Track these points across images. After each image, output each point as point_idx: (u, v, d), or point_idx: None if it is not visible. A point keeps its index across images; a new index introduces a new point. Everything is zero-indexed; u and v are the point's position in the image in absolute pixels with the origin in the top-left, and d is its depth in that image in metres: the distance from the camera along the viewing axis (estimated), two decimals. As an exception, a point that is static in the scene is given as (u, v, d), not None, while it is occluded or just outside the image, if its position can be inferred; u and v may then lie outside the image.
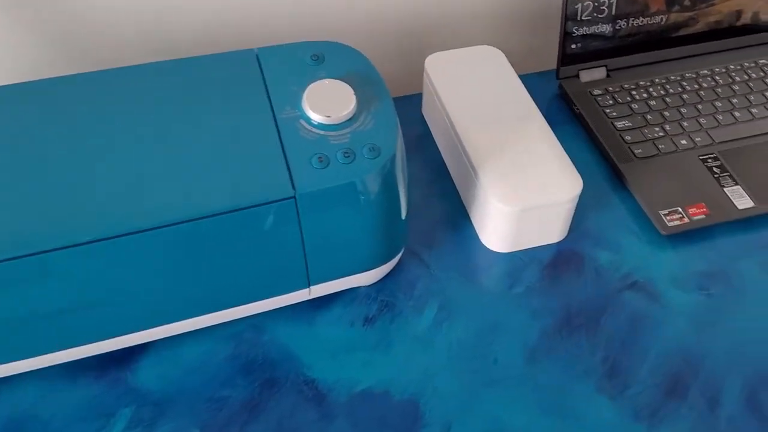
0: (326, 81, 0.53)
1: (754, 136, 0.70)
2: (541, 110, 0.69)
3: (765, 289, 0.60)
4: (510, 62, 0.71)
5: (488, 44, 0.74)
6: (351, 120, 0.52)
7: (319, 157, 0.50)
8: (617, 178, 0.68)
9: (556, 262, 0.62)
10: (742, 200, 0.64)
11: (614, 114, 0.72)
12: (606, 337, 0.57)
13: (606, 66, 0.77)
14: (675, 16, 0.75)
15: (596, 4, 0.72)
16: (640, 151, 0.69)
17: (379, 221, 0.54)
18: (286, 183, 0.49)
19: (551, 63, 0.76)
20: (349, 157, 0.50)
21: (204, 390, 0.53)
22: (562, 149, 0.62)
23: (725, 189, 0.65)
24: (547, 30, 0.84)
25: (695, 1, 0.75)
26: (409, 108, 0.75)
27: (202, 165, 0.49)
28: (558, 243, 0.63)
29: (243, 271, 0.52)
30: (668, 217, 0.63)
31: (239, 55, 0.56)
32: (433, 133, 0.72)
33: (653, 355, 0.56)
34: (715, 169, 0.67)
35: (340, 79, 0.53)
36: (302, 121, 0.52)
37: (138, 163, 0.49)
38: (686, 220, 0.63)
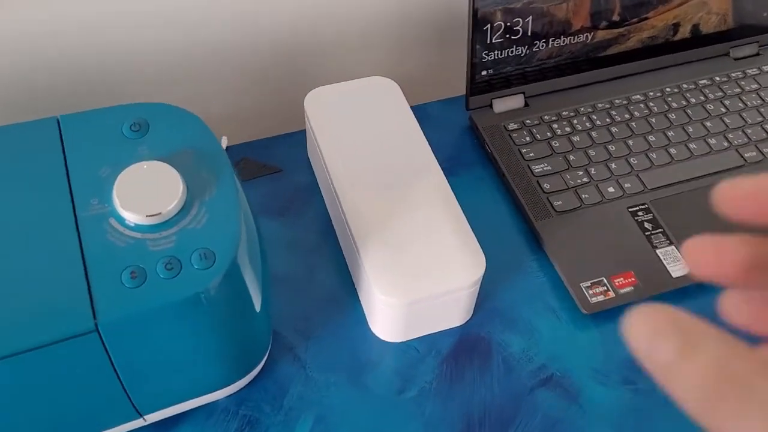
0: (144, 164, 0.41)
1: (691, 179, 0.60)
2: (447, 147, 0.58)
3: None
4: (413, 90, 0.60)
5: (384, 72, 0.62)
6: (177, 217, 0.40)
7: (132, 272, 0.38)
8: (534, 239, 0.58)
9: (458, 352, 0.52)
10: (677, 266, 0.55)
11: (531, 155, 0.62)
12: (514, 454, 0.47)
13: (524, 93, 0.65)
14: (602, 34, 0.64)
15: (508, 24, 0.61)
16: (559, 203, 0.58)
17: (219, 340, 0.42)
18: (86, 312, 0.37)
19: (463, 88, 0.65)
20: (172, 269, 0.38)
21: None
22: (463, 217, 0.51)
23: (658, 250, 0.55)
24: (456, 49, 0.72)
25: (625, 15, 0.64)
26: (298, 147, 0.63)
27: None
28: (462, 326, 0.53)
29: (56, 409, 0.40)
30: (591, 291, 0.53)
31: (37, 125, 0.43)
32: (318, 183, 0.61)
33: (570, 475, 0.46)
34: (646, 225, 0.57)
35: (165, 159, 0.41)
36: (112, 221, 0.40)
37: None
38: (611, 294, 0.53)
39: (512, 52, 0.62)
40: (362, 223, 0.50)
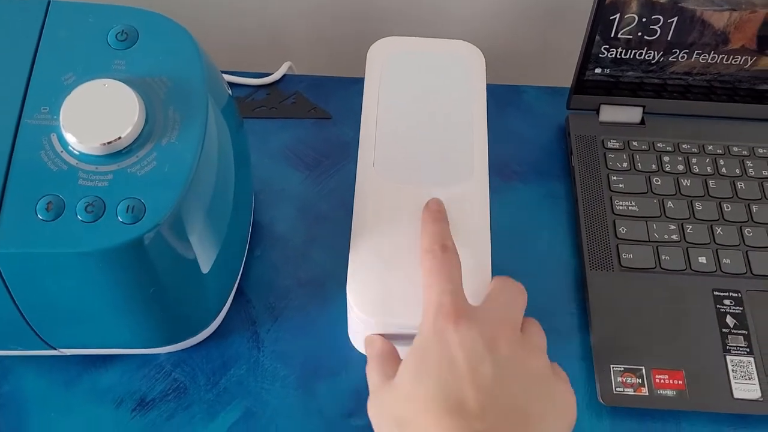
0: (105, 82, 0.35)
1: (817, 280, 0.46)
2: (530, 145, 0.50)
3: None
4: (518, 66, 0.49)
5: (494, 39, 0.52)
6: (123, 153, 0.34)
7: (49, 202, 0.33)
8: (582, 289, 0.47)
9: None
10: (745, 385, 0.42)
11: (621, 186, 0.49)
12: None
13: (643, 107, 0.52)
14: (767, 62, 0.50)
15: (644, 20, 0.47)
16: (629, 256, 0.47)
17: (139, 300, 0.37)
18: (-15, 233, 0.32)
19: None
20: (92, 212, 0.33)
21: None
22: (487, 245, 0.41)
23: (729, 357, 0.43)
24: (576, 34, 0.59)
25: (807, 46, 0.48)
26: (358, 97, 0.55)
27: None
28: (452, 363, 0.44)
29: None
30: (620, 378, 0.42)
31: (25, 3, 0.38)
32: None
33: None
34: (729, 320, 0.44)
35: (138, 83, 0.35)
36: (53, 137, 0.34)
37: None
38: (644, 390, 0.42)
39: (641, 54, 0.50)
40: (366, 215, 0.42)
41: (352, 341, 0.44)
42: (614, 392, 0.42)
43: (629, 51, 0.49)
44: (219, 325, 0.44)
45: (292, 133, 0.53)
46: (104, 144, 0.33)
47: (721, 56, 0.49)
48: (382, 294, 0.39)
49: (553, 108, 0.55)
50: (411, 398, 0.33)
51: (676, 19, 0.47)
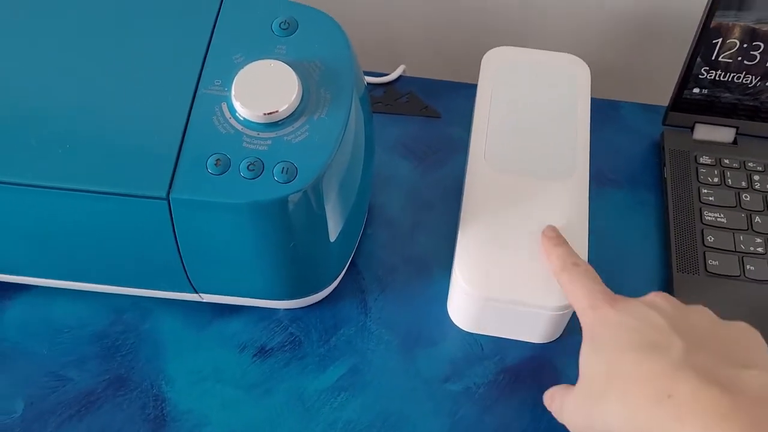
0: (272, 63, 0.41)
1: None
2: (625, 155, 0.54)
3: None
4: (617, 81, 0.53)
5: (599, 54, 0.56)
6: (281, 123, 0.40)
7: (218, 160, 0.39)
8: (667, 291, 0.50)
9: (523, 368, 0.47)
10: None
11: (711, 198, 0.53)
12: (526, 497, 0.43)
13: (737, 129, 0.56)
14: None
15: (745, 45, 0.51)
16: (715, 263, 0.50)
17: (280, 254, 0.42)
18: (165, 180, 0.38)
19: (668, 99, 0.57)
20: (253, 170, 0.39)
21: (53, 360, 0.47)
22: (586, 235, 0.45)
23: (806, 363, 0.46)
24: (673, 53, 0.62)
25: None
26: (466, 100, 0.60)
27: (90, 126, 0.40)
28: (540, 345, 0.48)
29: (118, 254, 0.43)
30: (699, 372, 0.45)
31: (204, -7, 0.45)
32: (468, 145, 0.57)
33: None
34: (807, 329, 0.47)
35: (298, 66, 0.41)
36: (224, 105, 0.40)
37: (24, 105, 0.40)
38: (722, 386, 0.45)
39: (738, 78, 0.53)
40: (475, 201, 0.47)
41: (451, 316, 0.49)
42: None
43: (728, 74, 0.53)
44: (332, 291, 0.50)
45: (404, 128, 0.58)
46: (266, 114, 0.39)
47: (817, 85, 0.52)
48: (487, 270, 0.44)
49: (648, 124, 0.59)
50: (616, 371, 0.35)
51: (776, 46, 0.51)
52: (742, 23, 0.50)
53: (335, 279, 0.48)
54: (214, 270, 0.43)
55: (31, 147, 0.39)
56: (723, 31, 0.51)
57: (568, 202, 0.46)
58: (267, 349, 0.48)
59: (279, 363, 0.47)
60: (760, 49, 0.51)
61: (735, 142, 0.56)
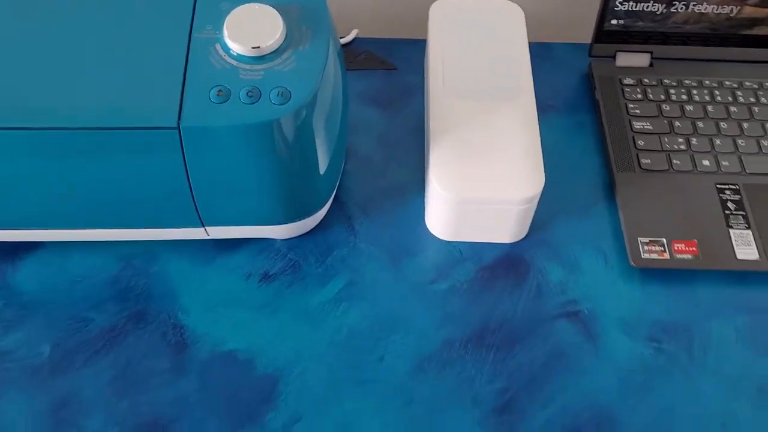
0: (257, 6, 0.46)
1: (798, 175, 0.57)
2: (561, 87, 0.60)
3: (729, 361, 0.49)
4: (547, 26, 0.61)
5: (537, 2, 0.64)
6: (271, 56, 0.45)
7: (219, 90, 0.44)
8: (610, 188, 0.58)
9: (498, 265, 0.54)
10: (746, 249, 0.53)
11: (637, 111, 0.61)
12: (515, 366, 0.49)
13: (651, 53, 0.64)
14: (750, 11, 0.62)
15: (650, -24, 0.60)
16: (648, 161, 0.58)
17: (279, 175, 0.48)
18: (174, 111, 0.43)
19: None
20: (252, 97, 0.44)
21: (72, 306, 0.51)
22: (537, 141, 0.52)
23: (732, 231, 0.54)
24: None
25: (781, -5, 0.61)
26: (418, 53, 0.67)
27: (93, 71, 0.44)
28: (511, 244, 0.55)
29: (128, 193, 0.48)
30: (646, 247, 0.53)
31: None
32: (424, 86, 0.64)
33: (560, 403, 0.48)
34: (729, 204, 0.55)
35: (279, 7, 0.47)
36: (218, 46, 0.46)
37: (26, 55, 0.45)
38: (666, 255, 0.53)
39: (648, 7, 0.62)
40: (441, 124, 0.53)
41: (430, 230, 0.55)
42: (642, 257, 0.53)
43: (638, 4, 0.61)
44: (321, 221, 0.55)
45: (366, 80, 0.65)
46: (256, 48, 0.45)
47: (712, 7, 0.61)
48: (460, 176, 0.50)
49: (577, 59, 0.67)
50: None
51: (675, -25, 0.60)
52: (645, -43, 0.59)
53: (326, 203, 0.54)
54: (220, 198, 0.48)
55: (41, 92, 0.43)
56: (630, -34, 0.59)
57: (521, 116, 0.53)
58: (270, 274, 0.53)
59: (282, 285, 0.52)
60: (663, -21, 0.60)
61: (651, 65, 0.65)
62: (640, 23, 0.63)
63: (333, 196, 0.55)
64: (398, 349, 0.50)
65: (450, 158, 0.51)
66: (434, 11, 0.61)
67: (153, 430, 0.46)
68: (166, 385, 0.48)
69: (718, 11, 0.62)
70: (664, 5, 0.62)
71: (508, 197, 0.50)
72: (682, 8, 0.62)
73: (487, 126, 0.53)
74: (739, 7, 0.62)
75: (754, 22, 0.62)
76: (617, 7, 0.62)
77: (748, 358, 0.49)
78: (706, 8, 0.62)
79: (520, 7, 0.61)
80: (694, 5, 0.61)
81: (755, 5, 0.61)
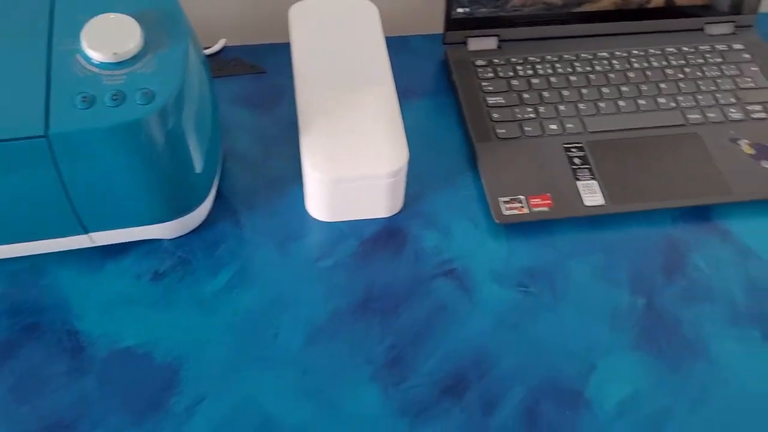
0: (111, 15, 0.49)
1: (631, 129, 0.65)
2: (420, 75, 0.66)
3: (587, 294, 0.55)
4: (403, 21, 0.66)
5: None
6: (130, 60, 0.48)
7: (84, 97, 0.46)
8: (473, 159, 0.63)
9: (378, 238, 0.58)
10: (593, 197, 0.59)
11: (490, 88, 0.67)
12: (401, 325, 0.53)
13: (498, 36, 0.71)
14: (576, -10, 0.69)
15: (484, -34, 0.66)
16: (503, 131, 0.64)
17: (153, 173, 0.50)
18: (40, 120, 0.45)
19: (443, 26, 0.71)
20: (117, 100, 0.46)
21: (-38, 327, 0.51)
22: (400, 120, 0.57)
23: (579, 182, 0.60)
24: None
25: (599, -26, 0.69)
26: (285, 56, 0.70)
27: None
28: (388, 218, 0.59)
29: (3, 207, 0.49)
30: (507, 205, 0.59)
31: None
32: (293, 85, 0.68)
33: (444, 350, 0.52)
34: (575, 160, 0.62)
35: (135, 14, 0.49)
36: (78, 56, 0.48)
37: None
38: (525, 210, 0.58)
39: (488, -6, 0.68)
40: (309, 114, 0.57)
41: (311, 214, 0.59)
42: (504, 214, 0.58)
43: (479, -8, 0.68)
44: (207, 218, 0.58)
45: (238, 85, 0.68)
46: (116, 54, 0.47)
47: (543, -11, 0.69)
48: (331, 157, 0.54)
49: (433, 49, 0.73)
50: None
51: (506, -37, 0.66)
52: (477, -51, 0.65)
53: (205, 199, 0.56)
54: (99, 202, 0.50)
55: None
56: (466, -42, 0.66)
57: (382, 100, 0.58)
58: (160, 272, 0.55)
59: (174, 280, 0.54)
60: (496, -32, 0.67)
61: (499, 47, 0.71)
62: (484, 9, 0.69)
63: (213, 192, 0.58)
64: (291, 324, 0.53)
65: (320, 143, 0.55)
66: (293, 13, 0.65)
67: (57, 430, 0.47)
68: (65, 387, 0.49)
69: (548, -7, 0.69)
70: (502, -9, 0.68)
71: (375, 172, 0.54)
72: (517, -7, 0.68)
73: (352, 112, 0.57)
74: (566, -12, 0.69)
75: (584, 0, 0.70)
76: (460, -4, 0.68)
77: (603, 289, 0.56)
78: (538, -9, 0.69)
79: (376, 5, 0.67)
80: (527, -11, 0.68)
81: (579, -15, 0.69)
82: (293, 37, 0.63)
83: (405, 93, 0.68)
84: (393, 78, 0.60)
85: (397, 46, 0.73)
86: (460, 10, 0.69)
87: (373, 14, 0.65)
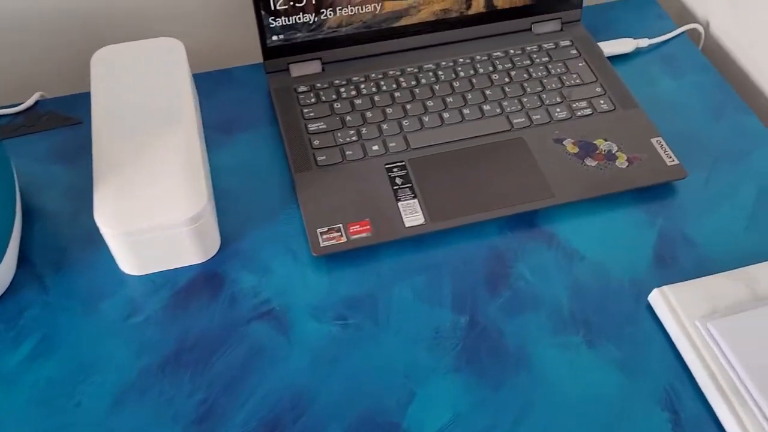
0: None
1: (455, 141, 0.64)
2: (243, 107, 0.66)
3: (408, 319, 0.54)
4: (224, 52, 0.64)
5: (193, 36, 0.67)
6: None
7: None
8: (293, 189, 0.62)
9: (192, 285, 0.56)
10: (414, 216, 0.58)
11: (311, 114, 0.66)
12: (213, 375, 0.51)
13: (320, 59, 0.69)
14: (391, 5, 0.68)
15: (289, -9, 0.65)
16: (323, 158, 0.62)
17: None
18: None
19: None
20: None
21: None
22: (201, 162, 0.55)
23: (400, 203, 0.59)
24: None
25: (411, -13, 0.68)
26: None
27: None
28: (203, 263, 0.57)
29: None
30: (325, 236, 0.57)
31: None
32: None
33: (260, 396, 0.50)
34: (397, 180, 0.61)
35: None
36: None
37: None
38: (343, 239, 0.57)
39: (300, 19, 0.67)
40: (103, 166, 0.55)
41: (122, 269, 0.56)
42: (321, 245, 0.56)
43: (290, 18, 0.66)
44: (8, 287, 0.55)
45: (51, 139, 0.65)
46: None
47: (356, 8, 0.67)
48: (121, 209, 0.52)
49: (259, 78, 0.71)
50: None
51: (313, -14, 0.65)
52: (279, -25, 0.64)
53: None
54: None
55: None
56: (269, -15, 0.64)
57: (182, 142, 0.56)
58: (-43, 352, 0.52)
59: (-29, 359, 0.52)
60: (303, -8, 0.65)
61: (324, 69, 0.70)
62: (300, 34, 0.68)
63: (10, 259, 0.55)
64: (96, 389, 0.50)
65: (111, 196, 0.53)
66: (95, 60, 0.63)
67: None
68: None
69: (363, 11, 0.68)
70: (314, 14, 0.67)
71: (170, 221, 0.52)
72: (330, 14, 0.67)
73: (148, 159, 0.55)
74: (380, 4, 0.68)
75: (399, 14, 0.69)
76: (271, 24, 0.66)
77: (424, 312, 0.54)
78: (352, 10, 0.67)
79: (193, 40, 0.65)
80: (340, 9, 0.67)
81: (393, 0, 0.68)
82: (93, 86, 0.61)
83: (229, 128, 0.67)
84: (198, 118, 0.59)
85: (220, 79, 0.71)
86: (275, 38, 0.67)
87: (178, 53, 0.63)
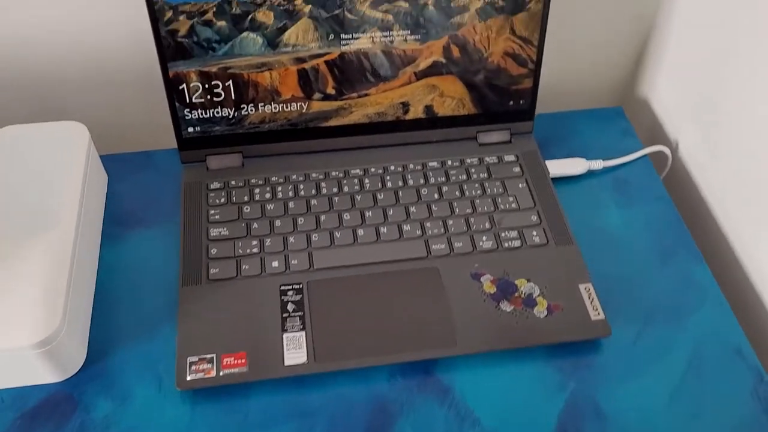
0: None
1: (363, 265, 0.58)
2: (157, 196, 0.63)
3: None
4: (143, 134, 0.60)
5: (117, 117, 0.63)
6: None
7: None
8: (176, 305, 0.57)
9: (42, 409, 0.51)
10: (296, 353, 0.53)
11: (216, 217, 0.61)
12: None
13: (242, 153, 0.65)
14: (319, 105, 0.63)
15: (207, 86, 0.60)
16: (216, 271, 0.57)
17: None
18: None
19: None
20: None
21: None
22: (64, 278, 0.51)
23: (286, 335, 0.54)
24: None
25: (341, 90, 0.62)
26: None
27: None
28: (61, 383, 0.52)
29: None
30: (194, 367, 0.52)
31: None
32: None
33: None
34: (290, 306, 0.55)
35: None
36: None
37: None
38: (213, 373, 0.52)
39: (218, 113, 0.62)
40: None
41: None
42: (187, 379, 0.51)
43: (207, 111, 0.62)
44: None
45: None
46: None
47: (281, 105, 0.62)
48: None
49: (179, 166, 0.67)
50: None
51: (231, 82, 0.60)
52: (194, 69, 0.59)
53: None
54: None
55: None
56: (183, 78, 0.59)
57: (53, 251, 0.52)
58: None
59: None
60: (220, 87, 0.60)
61: (243, 165, 0.65)
62: (218, 128, 0.63)
63: None
64: None
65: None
66: (-5, 141, 0.59)
67: None
68: None
69: (288, 108, 0.63)
70: (233, 109, 0.62)
71: (15, 344, 0.48)
72: (252, 109, 0.62)
73: (6, 267, 0.51)
74: (306, 104, 0.63)
75: (328, 114, 0.64)
76: (187, 116, 0.62)
77: (283, 472, 0.49)
78: (275, 108, 0.63)
79: (108, 122, 0.61)
80: (262, 106, 0.62)
81: (321, 100, 0.63)
82: (-18, 172, 0.57)
83: (131, 220, 0.62)
84: (90, 215, 0.54)
85: (140, 164, 0.67)
86: (191, 129, 0.63)
87: (80, 140, 0.59)
